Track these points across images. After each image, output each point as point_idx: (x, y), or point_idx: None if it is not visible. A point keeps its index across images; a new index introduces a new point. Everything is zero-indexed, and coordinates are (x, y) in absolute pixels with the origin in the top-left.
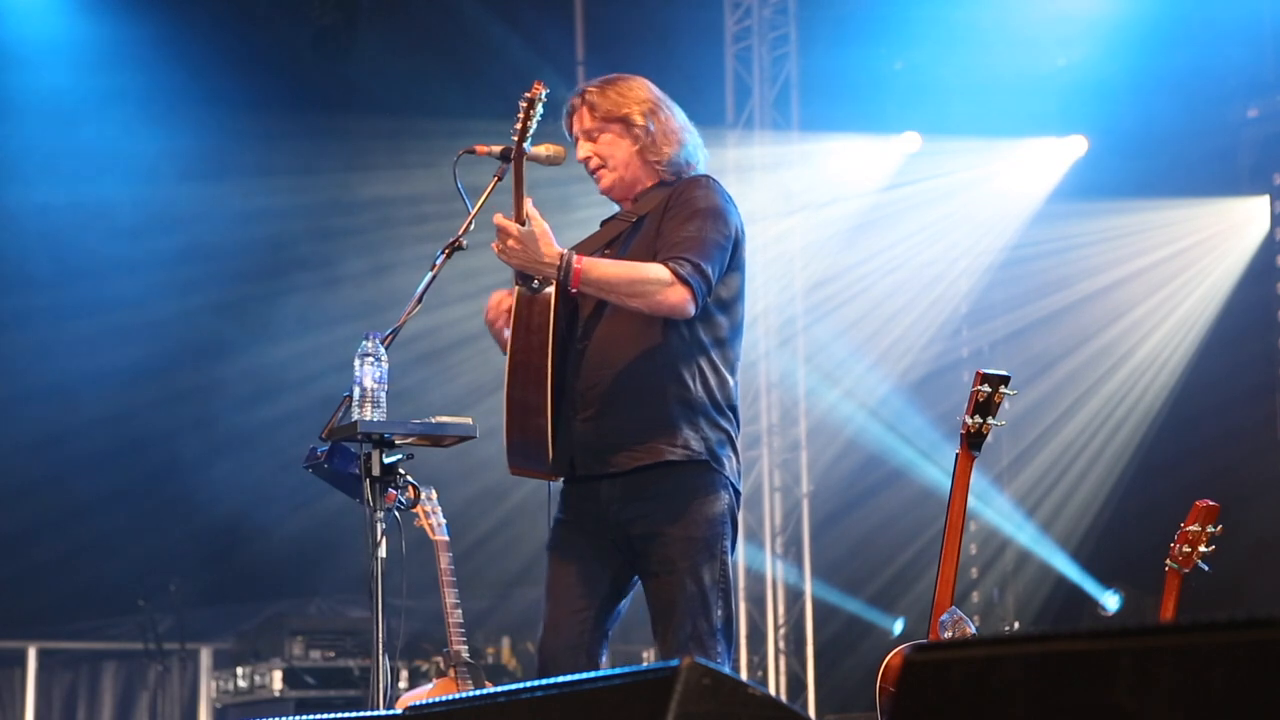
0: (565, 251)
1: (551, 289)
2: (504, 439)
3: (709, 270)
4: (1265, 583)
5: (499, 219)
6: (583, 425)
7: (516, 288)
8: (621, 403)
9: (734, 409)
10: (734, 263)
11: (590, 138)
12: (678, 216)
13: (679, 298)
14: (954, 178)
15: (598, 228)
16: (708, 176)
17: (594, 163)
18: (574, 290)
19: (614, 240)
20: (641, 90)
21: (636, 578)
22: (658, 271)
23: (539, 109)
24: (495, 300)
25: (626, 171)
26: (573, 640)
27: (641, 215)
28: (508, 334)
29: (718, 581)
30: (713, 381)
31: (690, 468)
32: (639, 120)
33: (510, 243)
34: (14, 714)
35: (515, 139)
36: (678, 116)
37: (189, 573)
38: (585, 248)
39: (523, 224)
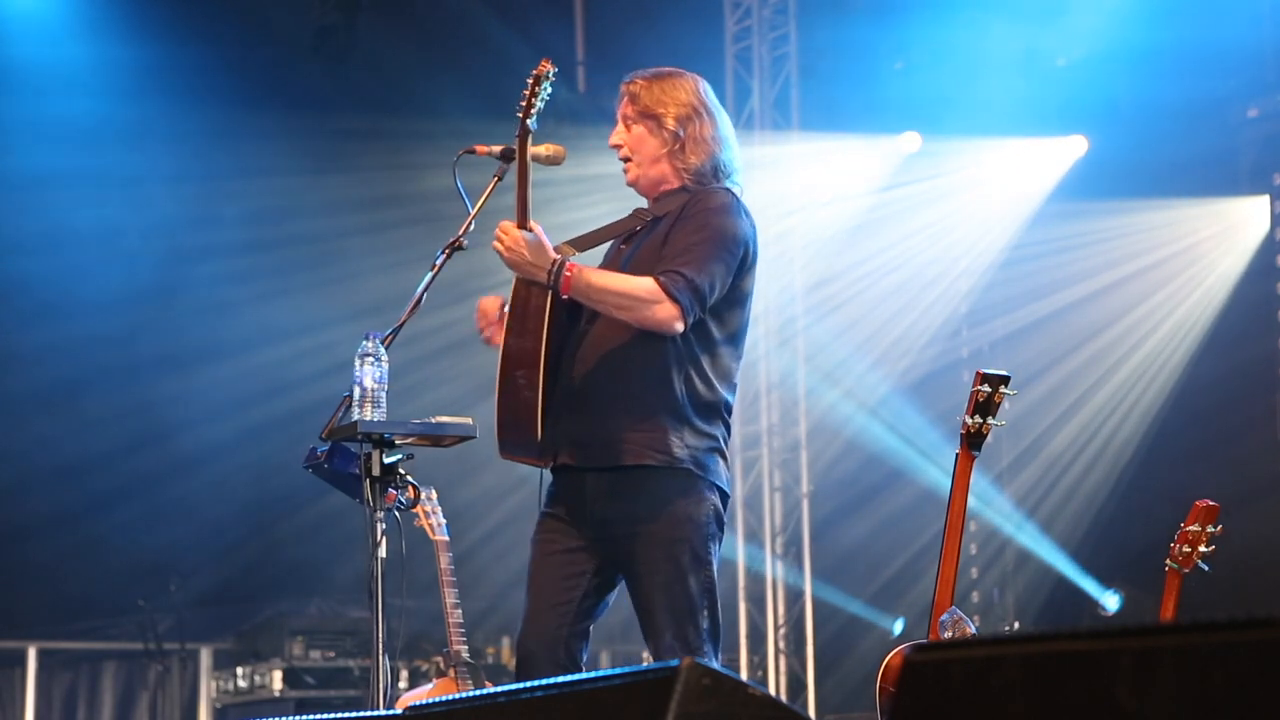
0: (558, 258)
1: None
2: (494, 423)
3: (704, 286)
4: (1265, 583)
5: (503, 223)
6: (572, 417)
7: (516, 276)
8: (609, 401)
9: (725, 415)
10: (739, 272)
11: (626, 126)
12: (687, 227)
13: (667, 314)
14: (954, 178)
15: (619, 218)
16: (727, 189)
17: (622, 153)
18: (564, 297)
19: (630, 236)
20: (685, 93)
21: (619, 576)
22: (648, 287)
23: (546, 86)
24: (487, 307)
25: (651, 169)
26: (551, 634)
27: (659, 216)
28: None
29: (703, 584)
30: (701, 387)
31: (672, 474)
32: (670, 124)
33: (508, 242)
34: (14, 714)
35: (520, 116)
36: (718, 126)
37: (189, 573)
38: (603, 236)
39: (523, 225)
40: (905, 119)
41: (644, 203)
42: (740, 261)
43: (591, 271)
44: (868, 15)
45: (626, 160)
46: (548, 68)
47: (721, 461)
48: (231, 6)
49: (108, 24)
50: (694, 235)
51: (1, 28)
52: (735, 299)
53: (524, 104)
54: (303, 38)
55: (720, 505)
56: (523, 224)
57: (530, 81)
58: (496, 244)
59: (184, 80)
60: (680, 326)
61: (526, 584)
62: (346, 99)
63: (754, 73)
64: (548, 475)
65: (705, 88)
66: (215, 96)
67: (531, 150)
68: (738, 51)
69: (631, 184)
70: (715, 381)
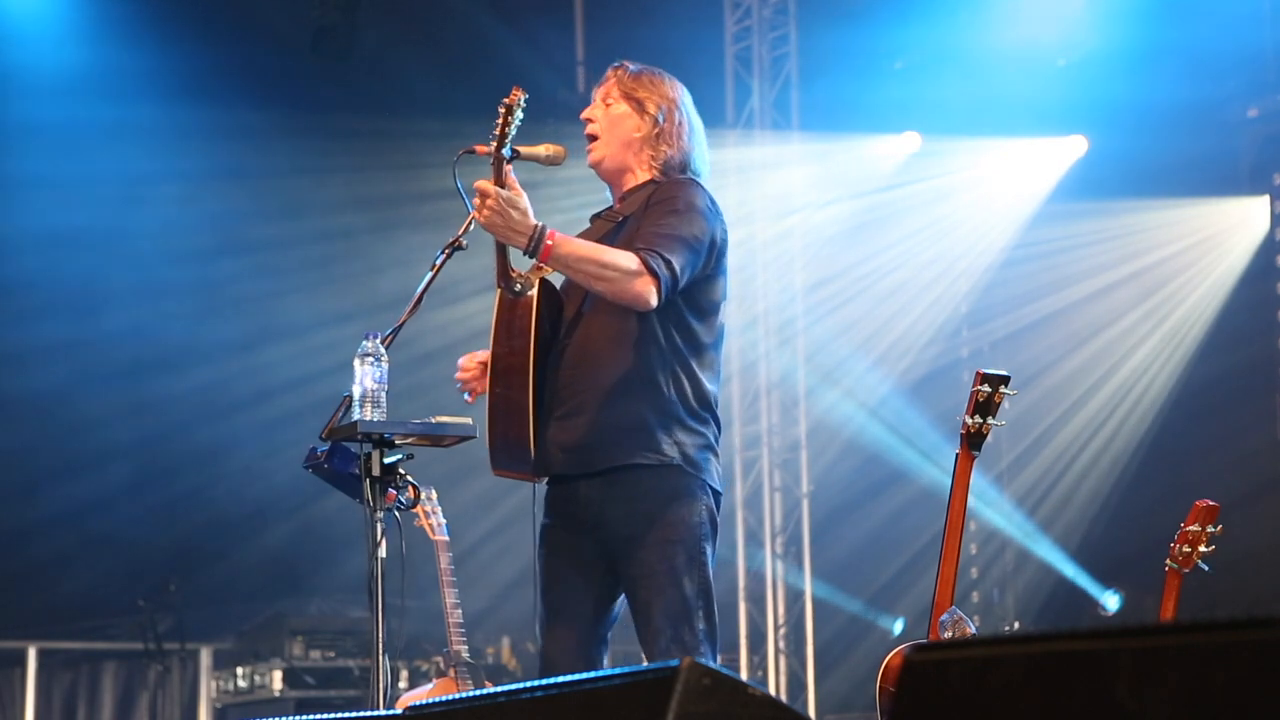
0: (540, 224)
1: (534, 293)
2: (485, 440)
3: (679, 268)
4: (1265, 583)
5: (480, 183)
6: (559, 424)
7: (499, 290)
8: (596, 403)
9: (713, 413)
10: (715, 270)
11: (605, 104)
12: (656, 212)
13: (643, 287)
14: (954, 178)
15: (588, 224)
16: (694, 180)
17: (591, 128)
18: (540, 263)
19: (600, 239)
20: (672, 90)
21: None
22: (627, 259)
23: (518, 115)
24: (468, 364)
25: (619, 152)
26: (573, 646)
27: (627, 215)
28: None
29: (699, 586)
30: (688, 386)
31: (664, 472)
32: (651, 109)
33: (490, 203)
34: (14, 714)
35: (494, 145)
36: (694, 130)
37: (189, 573)
38: None
39: (505, 272)
40: (905, 119)
41: (607, 199)
42: (710, 248)
43: (572, 240)
44: (868, 15)
45: (593, 139)
46: (519, 96)
47: (714, 459)
48: (231, 7)
49: (107, 25)
50: (664, 218)
51: (1, 30)
52: (713, 292)
53: (496, 133)
54: (303, 38)
55: (714, 506)
56: (504, 272)
57: (502, 110)
58: (477, 200)
59: (182, 80)
60: (654, 302)
61: (540, 597)
62: (346, 99)
63: (754, 73)
64: (540, 487)
65: (689, 97)
66: (214, 96)
67: (531, 150)
68: (738, 51)
69: (594, 164)
70: (702, 377)
